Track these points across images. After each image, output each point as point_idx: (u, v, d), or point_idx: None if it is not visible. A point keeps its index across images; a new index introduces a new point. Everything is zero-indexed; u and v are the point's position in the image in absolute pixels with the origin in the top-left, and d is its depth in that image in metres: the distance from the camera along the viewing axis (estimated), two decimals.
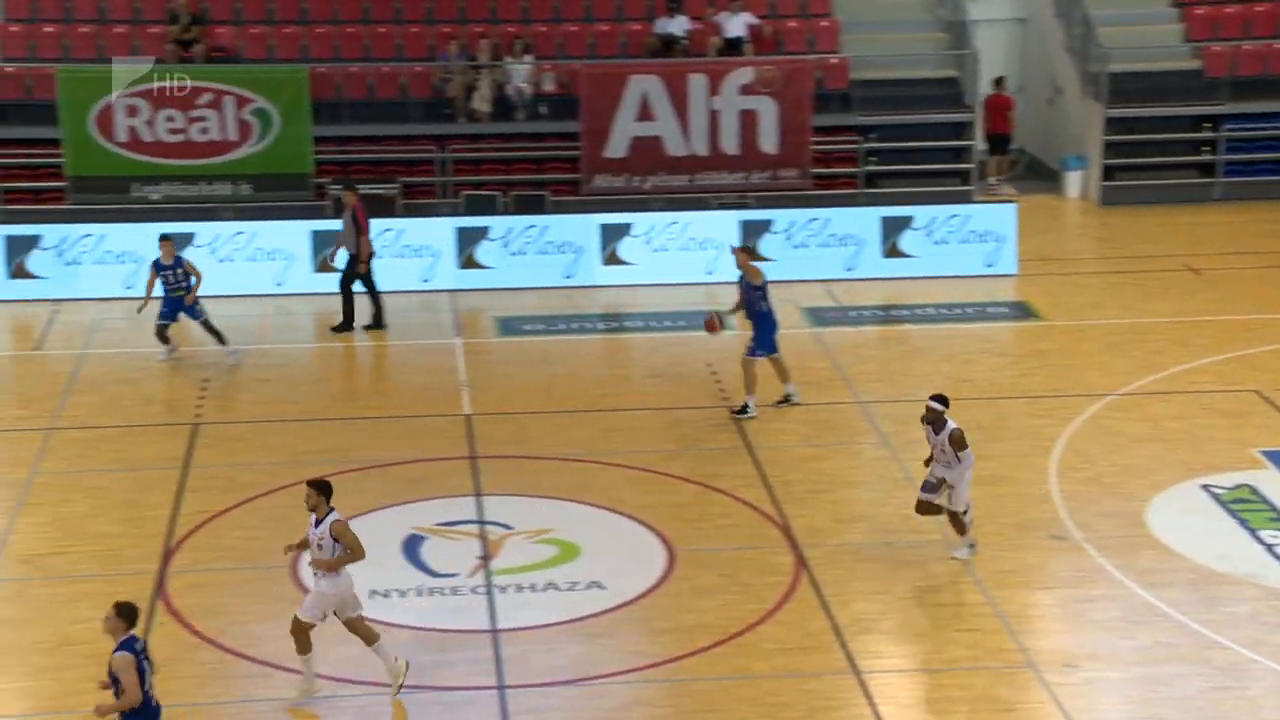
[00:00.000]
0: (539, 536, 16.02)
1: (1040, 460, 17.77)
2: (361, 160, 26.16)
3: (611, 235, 24.18)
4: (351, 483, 17.29)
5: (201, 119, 24.70)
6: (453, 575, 15.31)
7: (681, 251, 24.25)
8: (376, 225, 23.65)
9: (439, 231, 24.01)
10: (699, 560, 15.60)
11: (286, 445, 18.33)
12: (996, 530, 16.10)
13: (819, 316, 22.92)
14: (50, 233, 23.05)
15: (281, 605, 14.76)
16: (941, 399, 15.07)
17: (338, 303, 22.87)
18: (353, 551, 13.00)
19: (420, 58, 27.00)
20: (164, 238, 20.61)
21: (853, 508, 16.76)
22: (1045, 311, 23.03)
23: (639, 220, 24.36)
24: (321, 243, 23.51)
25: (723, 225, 24.44)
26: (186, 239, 23.20)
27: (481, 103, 26.34)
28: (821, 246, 24.49)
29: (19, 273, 22.89)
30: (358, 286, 21.93)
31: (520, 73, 26.50)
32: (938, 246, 24.52)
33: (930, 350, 21.70)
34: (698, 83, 25.54)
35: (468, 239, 23.97)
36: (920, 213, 24.64)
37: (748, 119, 25.67)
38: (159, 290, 20.44)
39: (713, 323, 19.15)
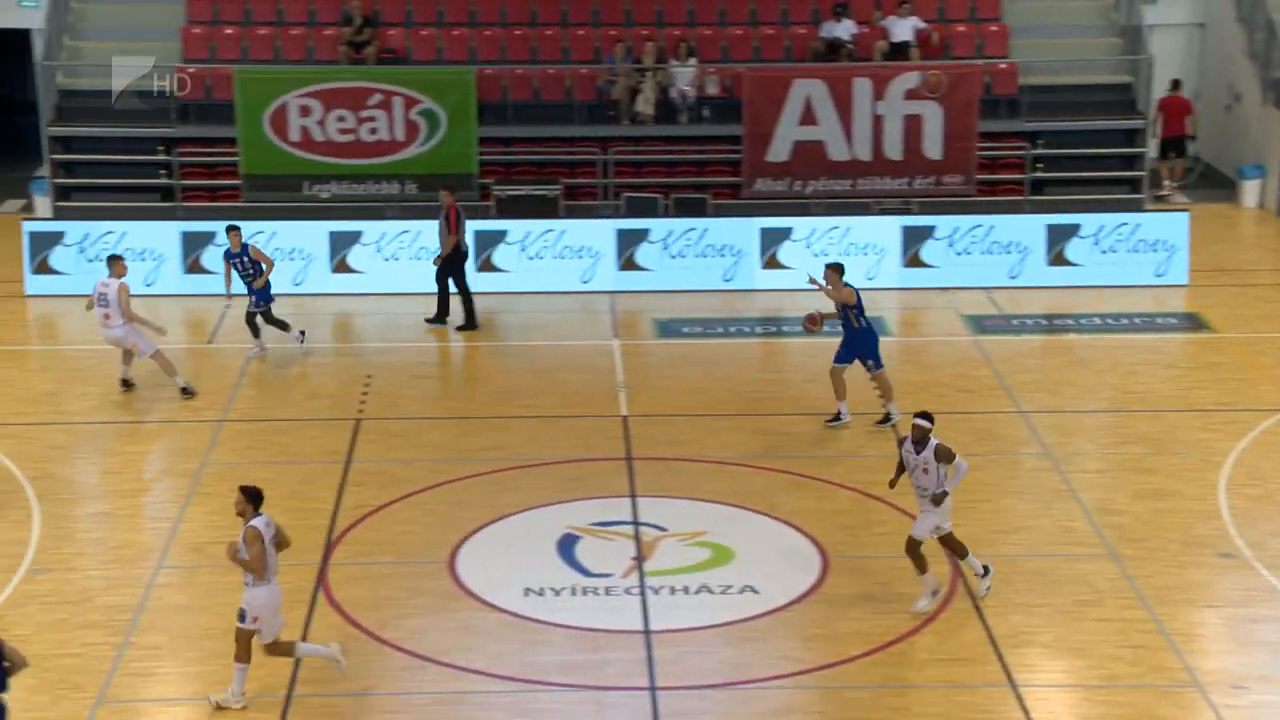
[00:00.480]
0: (693, 539, 16.03)
1: (1209, 475, 17.33)
2: (525, 161, 26.42)
3: (771, 239, 24.11)
4: (509, 481, 17.48)
5: (371, 119, 25.15)
6: (607, 575, 15.39)
7: (842, 257, 24.09)
8: (538, 225, 23.93)
9: (599, 233, 24.16)
10: (854, 567, 15.49)
11: (446, 442, 18.58)
12: (1161, 545, 15.74)
13: (980, 324, 22.61)
14: (222, 230, 23.63)
15: (439, 600, 14.99)
16: (927, 416, 14.37)
17: (497, 301, 23.21)
18: (250, 562, 12.96)
19: (585, 60, 27.19)
20: (231, 228, 21.19)
21: (1011, 519, 16.51)
22: (1218, 323, 22.46)
23: (799, 224, 24.26)
24: (484, 242, 23.80)
25: (884, 230, 24.24)
26: (353, 237, 23.66)
27: (645, 105, 26.44)
28: (985, 253, 24.16)
29: (194, 268, 23.51)
30: (430, 285, 22.31)
31: (684, 75, 26.55)
32: (1106, 255, 24.05)
33: (1094, 361, 21.29)
34: (862, 87, 25.34)
35: (628, 241, 24.08)
36: (1088, 220, 24.17)
37: (912, 124, 25.41)
38: (237, 282, 21.00)
39: (814, 319, 18.90)
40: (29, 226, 23.37)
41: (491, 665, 13.88)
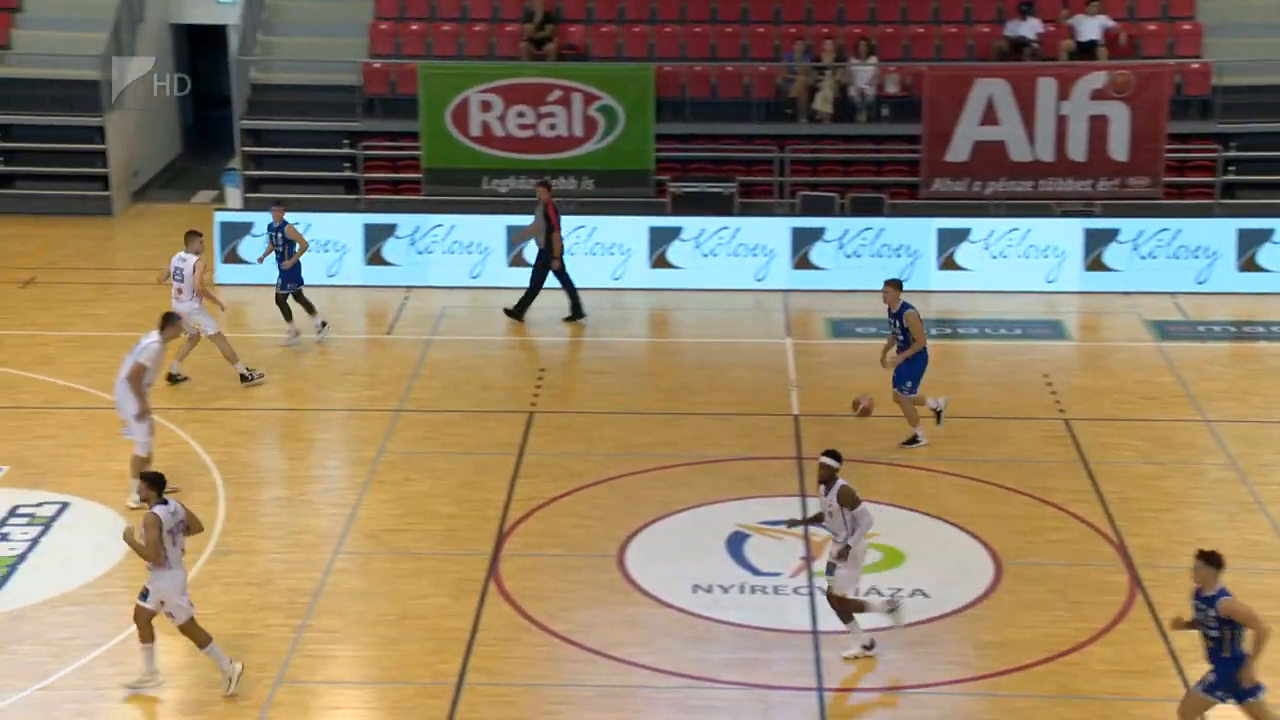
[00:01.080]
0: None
1: None
2: (701, 158, 26.44)
3: (949, 240, 23.80)
4: (679, 477, 17.51)
5: (551, 115, 25.39)
6: (775, 574, 15.33)
7: (1021, 259, 23.70)
8: (714, 223, 23.92)
9: (774, 231, 24.07)
10: (1027, 574, 15.22)
11: (617, 437, 18.68)
12: None
13: (1164, 330, 22.06)
14: (405, 222, 24.06)
15: (609, 594, 15.07)
16: (834, 455, 13.66)
17: (671, 299, 23.27)
18: (145, 549, 12.95)
19: (765, 58, 27.12)
20: (276, 202, 21.71)
21: (1194, 530, 16.08)
22: None
23: (978, 225, 23.90)
24: (658, 239, 23.88)
25: (1066, 233, 23.77)
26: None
27: (823, 104, 26.28)
28: (1171, 258, 23.56)
29: (375, 260, 23.96)
30: (552, 281, 22.33)
31: (864, 74, 26.33)
32: None
33: None
34: (1047, 86, 24.88)
35: (803, 239, 23.96)
36: None
37: (1098, 125, 24.88)
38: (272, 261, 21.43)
39: (866, 409, 17.54)
40: (220, 217, 24.04)
41: (659, 660, 13.92)
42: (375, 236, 23.96)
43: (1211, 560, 11.89)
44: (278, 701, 13.28)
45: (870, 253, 23.81)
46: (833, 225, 24.03)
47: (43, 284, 23.22)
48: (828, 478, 13.64)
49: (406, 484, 17.32)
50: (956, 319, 22.70)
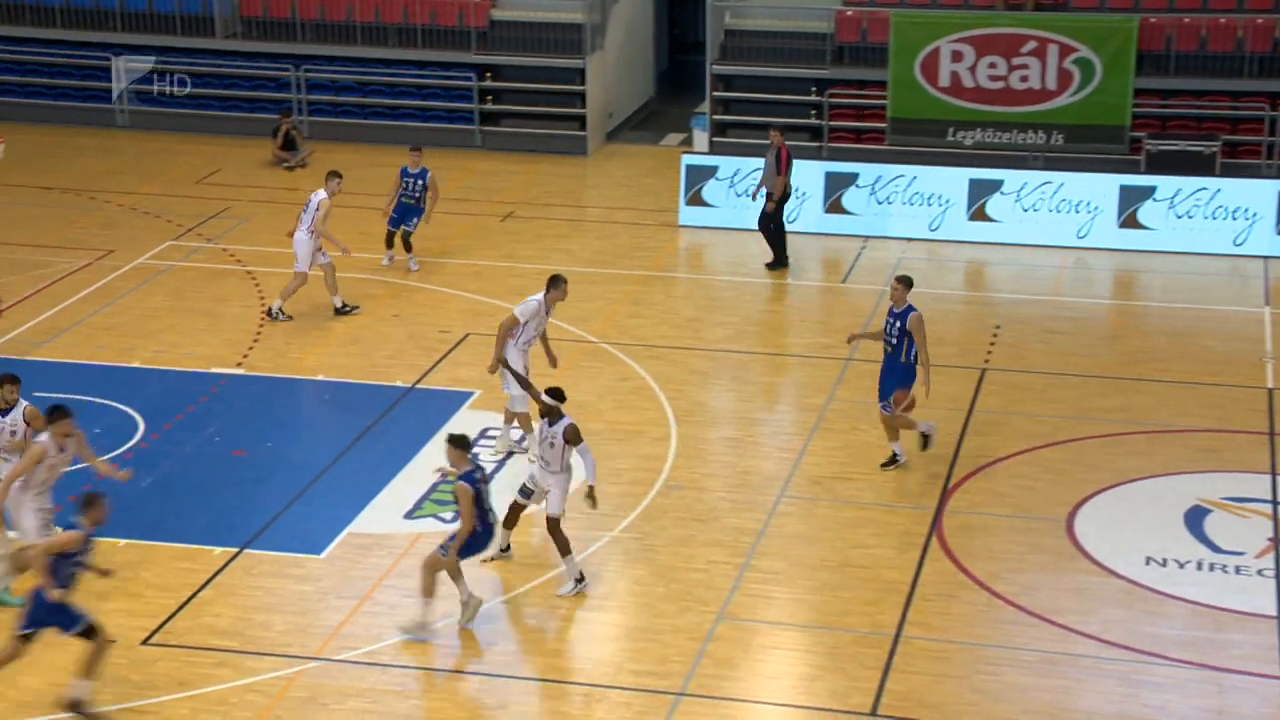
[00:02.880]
0: None
1: None
2: (1182, 115, 25.20)
3: None
4: (1135, 445, 16.86)
5: (1023, 67, 24.72)
6: (1238, 553, 14.58)
7: None
8: (1191, 183, 22.80)
9: (1259, 194, 22.70)
10: None
11: (1073, 399, 18.12)
12: None
13: None
14: (866, 171, 23.96)
15: (1056, 559, 14.69)
16: (557, 393, 13.99)
17: (1139, 259, 22.37)
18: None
19: (1263, 9, 25.53)
20: (415, 147, 21.58)
21: None
22: None
23: None
24: (1130, 198, 22.93)
25: None
26: (993, 186, 23.38)
27: None
28: None
29: (835, 208, 23.98)
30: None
31: None
32: None
33: None
34: None
35: None
36: None
37: None
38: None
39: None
40: (686, 160, 24.58)
41: (1105, 631, 13.48)
42: (836, 184, 23.96)
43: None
44: (718, 636, 13.59)
45: None
46: None
47: (520, 218, 24.34)
48: (551, 413, 13.99)
49: (854, 433, 17.32)
50: None
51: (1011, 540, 15.05)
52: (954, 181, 23.57)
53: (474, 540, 13.42)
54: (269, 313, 20.00)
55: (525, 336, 16.27)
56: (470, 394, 18.04)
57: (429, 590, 13.38)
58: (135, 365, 18.75)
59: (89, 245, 22.54)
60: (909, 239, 23.43)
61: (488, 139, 27.65)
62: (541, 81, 27.68)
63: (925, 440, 16.33)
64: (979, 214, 23.40)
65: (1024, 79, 24.75)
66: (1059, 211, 23.18)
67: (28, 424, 13.55)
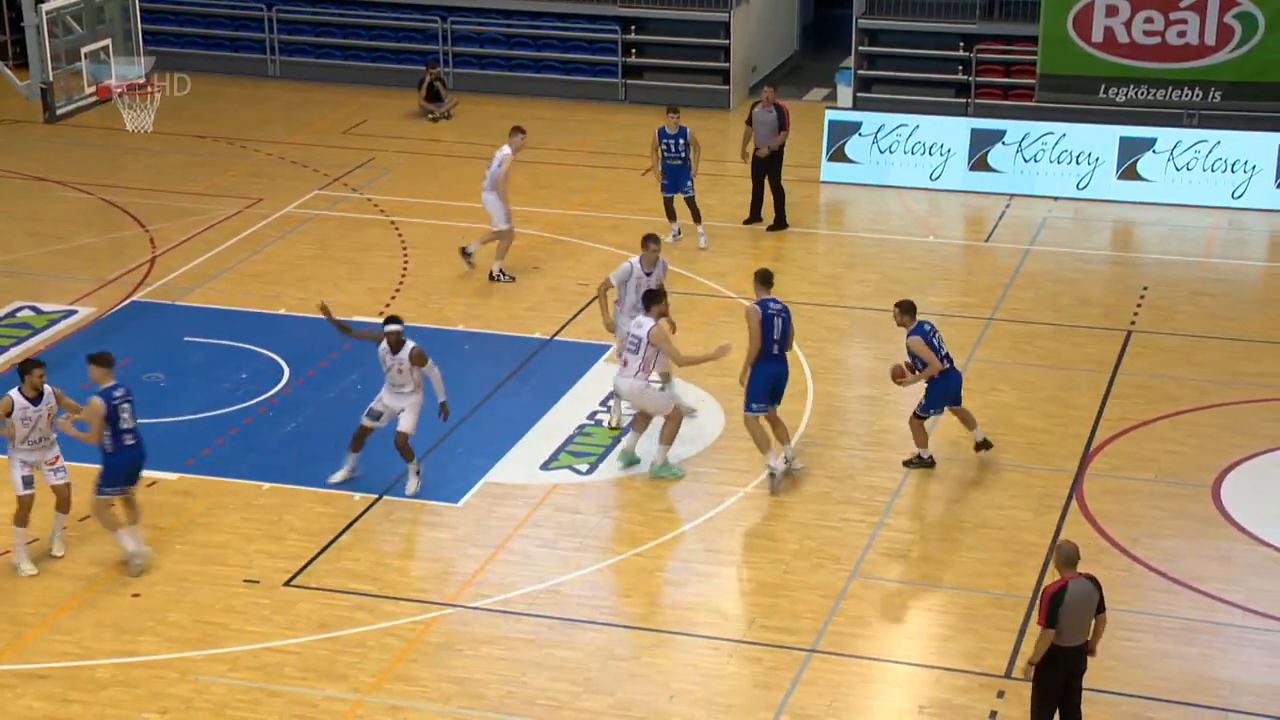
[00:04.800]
0: None
1: None
2: None
3: None
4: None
5: (1181, 22, 24.08)
6: None
7: None
8: None
9: None
10: None
11: (1221, 363, 17.72)
12: None
13: None
14: (1013, 128, 23.55)
15: (1200, 525, 14.42)
16: (395, 319, 14.93)
17: None
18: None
19: None
20: (671, 108, 20.97)
21: None
22: None
23: None
24: None
25: None
26: (1145, 144, 22.87)
27: None
28: None
29: (980, 165, 23.61)
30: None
31: None
32: None
33: None
34: None
35: None
36: None
37: None
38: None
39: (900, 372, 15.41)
40: (830, 115, 24.36)
41: (1250, 600, 13.21)
42: (982, 142, 23.59)
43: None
44: (851, 594, 13.54)
45: None
46: None
47: None
48: (396, 342, 14.80)
49: (992, 393, 17.11)
50: None
51: (1154, 505, 14.79)
52: (1104, 140, 23.10)
53: (109, 469, 13.58)
54: (491, 276, 19.85)
55: (629, 300, 16.23)
56: (607, 347, 18.11)
57: (111, 526, 13.73)
58: (280, 312, 19.10)
59: (238, 193, 22.98)
60: (1055, 198, 23.03)
61: (630, 92, 27.64)
62: (685, 35, 27.58)
63: (918, 461, 15.45)
64: (1129, 173, 22.91)
65: (1181, 34, 24.11)
66: (1214, 171, 22.61)
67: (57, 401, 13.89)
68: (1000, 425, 16.35)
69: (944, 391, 15.30)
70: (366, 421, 15.17)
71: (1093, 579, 10.92)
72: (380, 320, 15.44)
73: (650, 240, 16.47)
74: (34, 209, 22.33)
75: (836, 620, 13.18)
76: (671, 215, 21.19)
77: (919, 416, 15.38)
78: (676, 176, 20.94)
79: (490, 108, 26.70)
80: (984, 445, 15.48)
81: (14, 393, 13.59)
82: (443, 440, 16.01)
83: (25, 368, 13.69)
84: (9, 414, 13.55)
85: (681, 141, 20.83)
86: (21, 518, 13.72)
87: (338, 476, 15.23)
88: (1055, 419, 16.42)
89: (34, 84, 18.43)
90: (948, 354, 15.32)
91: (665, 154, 20.90)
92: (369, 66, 28.37)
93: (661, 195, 21.17)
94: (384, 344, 14.96)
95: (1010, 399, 16.95)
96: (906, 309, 15.29)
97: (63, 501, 13.90)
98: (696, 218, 21.08)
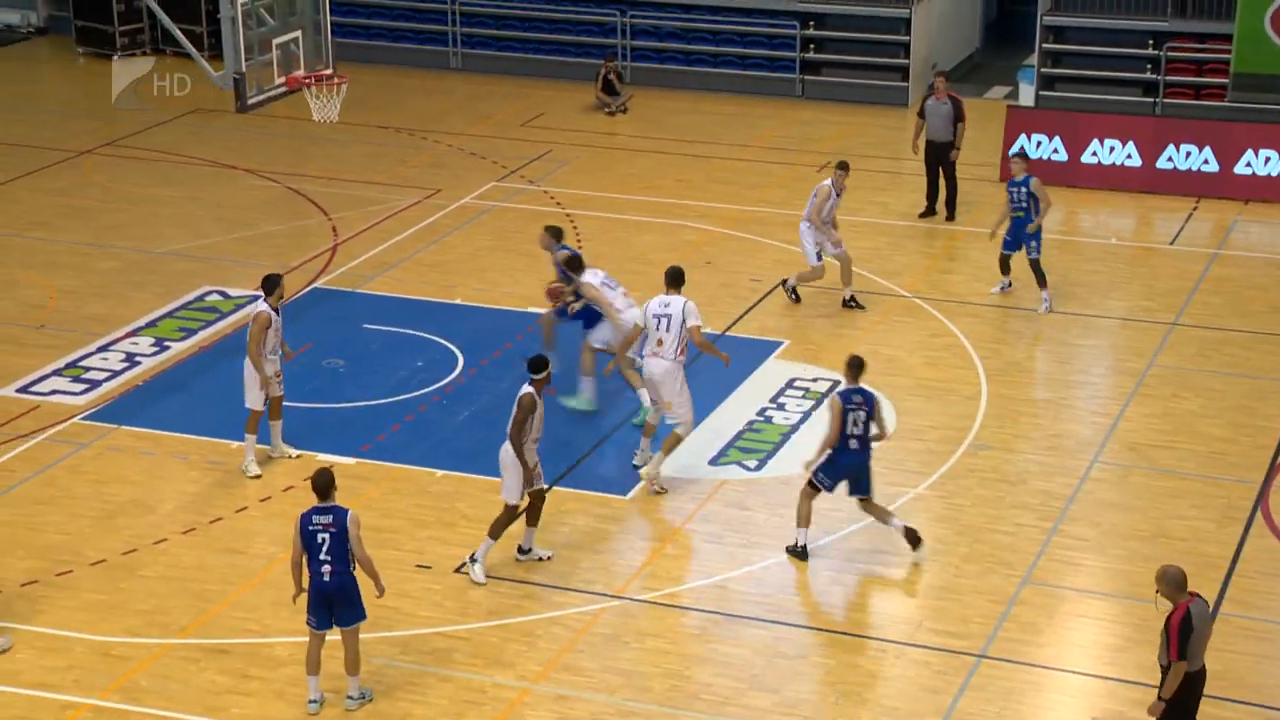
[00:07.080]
0: None
1: None
2: None
3: None
4: None
5: None
6: None
7: None
8: None
9: None
10: None
11: None
12: None
13: None
14: (1202, 130, 22.91)
15: None
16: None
17: None
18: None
19: None
20: (1016, 154, 19.29)
21: None
22: None
23: None
24: None
25: None
26: None
27: None
28: None
29: (1166, 166, 23.00)
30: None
31: None
32: None
33: None
34: None
35: None
36: None
37: None
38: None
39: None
40: (1010, 112, 23.94)
41: None
42: (1168, 141, 23.00)
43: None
44: (1023, 600, 13.31)
45: None
46: None
47: None
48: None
49: (1175, 400, 16.69)
50: None
51: None
52: None
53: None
54: (783, 284, 19.32)
55: (824, 218, 18.36)
56: (779, 343, 18.03)
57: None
58: (456, 302, 19.36)
59: (418, 184, 23.33)
60: (1245, 200, 22.37)
61: (808, 88, 27.48)
62: (865, 31, 27.34)
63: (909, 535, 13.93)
64: None
65: None
66: None
67: None
68: (1182, 433, 15.94)
69: (842, 466, 13.70)
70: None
71: (1201, 596, 10.60)
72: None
73: (841, 167, 18.58)
74: (222, 196, 22.92)
75: (1007, 626, 12.97)
76: (1004, 269, 19.24)
77: (811, 486, 13.83)
78: (1017, 231, 18.88)
79: (666, 102, 26.75)
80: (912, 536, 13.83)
81: (264, 305, 14.86)
82: (613, 432, 16.07)
83: (274, 281, 14.98)
84: (269, 326, 14.82)
85: (1024, 189, 18.71)
86: (253, 425, 15.11)
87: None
88: (1242, 428, 15.96)
89: (227, 74, 18.89)
90: (862, 435, 13.63)
91: (1012, 204, 18.80)
92: (548, 59, 28.60)
93: (1001, 251, 19.23)
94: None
95: (1194, 406, 16.51)
96: (852, 367, 13.69)
97: (276, 411, 15.29)
98: (1041, 281, 18.88)
